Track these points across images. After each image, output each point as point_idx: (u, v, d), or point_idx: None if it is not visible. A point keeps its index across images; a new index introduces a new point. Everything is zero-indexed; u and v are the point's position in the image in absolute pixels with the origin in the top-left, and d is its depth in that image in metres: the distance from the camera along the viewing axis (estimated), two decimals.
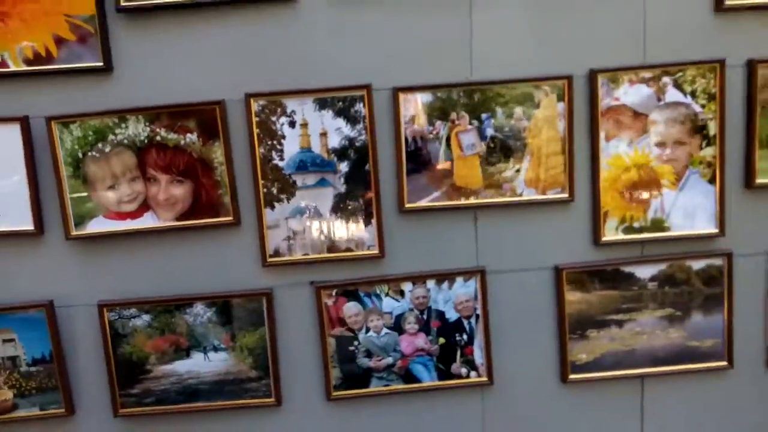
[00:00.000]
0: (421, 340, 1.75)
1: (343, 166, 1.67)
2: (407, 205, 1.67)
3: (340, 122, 1.65)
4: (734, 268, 1.70)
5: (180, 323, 1.74)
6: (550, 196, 1.68)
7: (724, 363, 1.74)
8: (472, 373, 1.76)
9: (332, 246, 1.70)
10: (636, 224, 1.69)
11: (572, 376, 1.75)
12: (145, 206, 1.69)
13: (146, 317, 1.74)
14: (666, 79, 1.62)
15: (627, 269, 1.71)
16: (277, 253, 1.71)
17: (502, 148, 1.66)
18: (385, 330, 1.74)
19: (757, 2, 1.59)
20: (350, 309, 1.73)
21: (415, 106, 1.63)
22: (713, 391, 1.77)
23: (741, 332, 1.74)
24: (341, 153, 1.66)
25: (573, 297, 1.72)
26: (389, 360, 1.76)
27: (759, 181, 1.65)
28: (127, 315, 1.74)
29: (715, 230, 1.68)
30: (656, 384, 1.77)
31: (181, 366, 1.76)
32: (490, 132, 1.65)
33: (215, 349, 1.75)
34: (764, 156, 1.65)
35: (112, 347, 1.74)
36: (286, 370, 1.76)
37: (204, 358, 1.76)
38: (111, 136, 1.64)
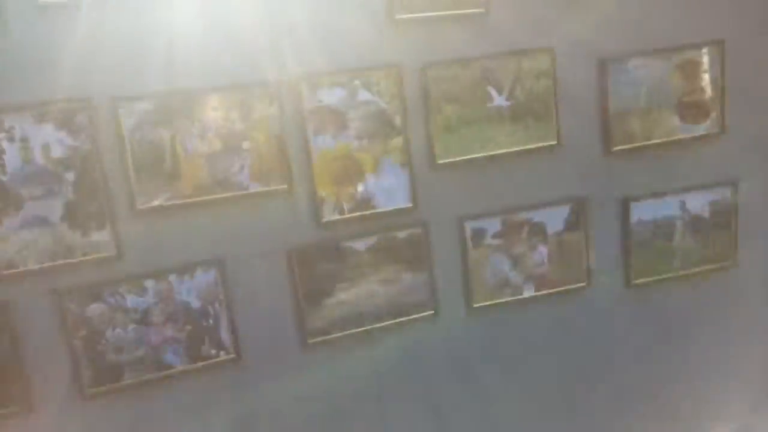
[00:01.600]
0: (170, 330, 1.90)
1: (70, 176, 1.75)
2: (139, 207, 1.81)
3: (63, 134, 1.73)
4: (431, 234, 2.09)
5: None
6: (273, 187, 1.92)
7: (432, 312, 2.13)
8: (222, 353, 1.96)
9: (68, 252, 1.78)
10: (348, 205, 2.00)
11: (311, 340, 2.02)
12: None
13: None
14: (357, 82, 1.95)
15: (346, 244, 2.02)
16: (11, 265, 1.74)
17: (225, 148, 1.87)
18: (132, 325, 1.87)
19: (423, 15, 1.96)
20: (95, 310, 1.83)
21: (137, 113, 1.78)
22: (425, 333, 2.15)
23: (443, 286, 2.14)
24: (67, 163, 1.75)
25: (304, 272, 1.98)
26: (140, 352, 1.88)
27: (439, 161, 2.05)
28: None
29: (410, 205, 2.05)
30: (382, 335, 2.11)
31: None
32: (211, 134, 1.85)
33: None
34: (441, 141, 2.04)
35: None
36: (36, 377, 1.80)
37: None
38: None
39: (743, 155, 2.31)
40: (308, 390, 2.05)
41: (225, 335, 1.95)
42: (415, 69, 1.98)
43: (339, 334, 2.04)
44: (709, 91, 2.24)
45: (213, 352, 1.95)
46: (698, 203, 2.32)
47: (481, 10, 2.00)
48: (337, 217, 1.99)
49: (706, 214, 2.34)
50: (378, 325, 2.08)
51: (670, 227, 2.31)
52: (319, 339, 2.03)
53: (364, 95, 1.96)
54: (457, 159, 2.07)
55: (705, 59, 2.21)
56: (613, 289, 2.30)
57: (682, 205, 2.31)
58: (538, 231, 2.20)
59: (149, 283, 1.86)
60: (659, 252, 2.32)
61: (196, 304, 1.91)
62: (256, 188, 1.91)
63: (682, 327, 2.41)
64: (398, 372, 2.15)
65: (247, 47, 1.84)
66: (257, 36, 1.84)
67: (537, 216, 2.19)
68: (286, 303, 1.99)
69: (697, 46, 2.20)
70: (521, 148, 2.12)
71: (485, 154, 2.09)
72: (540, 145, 2.13)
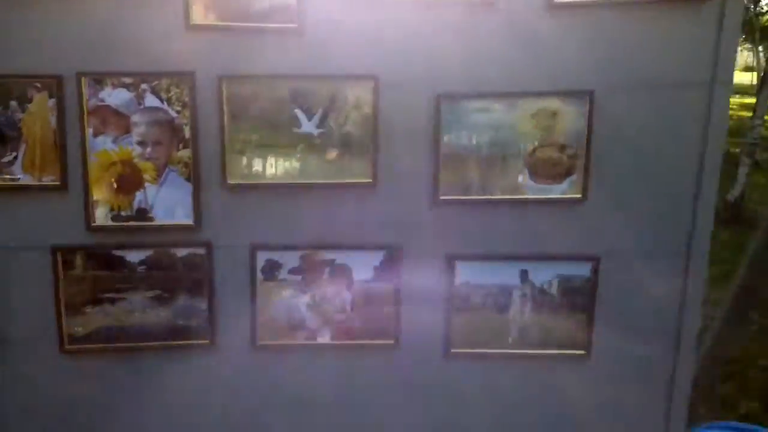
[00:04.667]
0: None
1: None
2: None
3: None
4: (214, 257, 1.94)
5: None
6: (45, 182, 1.86)
7: (208, 341, 1.97)
8: None
9: None
10: (123, 213, 1.89)
11: (69, 347, 1.94)
12: None
13: None
14: (144, 86, 1.84)
15: (117, 253, 1.91)
16: None
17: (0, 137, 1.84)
18: None
19: (226, 23, 1.82)
20: None
21: None
22: (200, 363, 1.99)
23: (225, 316, 1.97)
24: None
25: (69, 274, 1.90)
26: None
27: (230, 181, 1.89)
28: None
29: (191, 222, 1.90)
30: (151, 356, 1.98)
31: None
32: None
33: None
34: (235, 160, 1.89)
35: None
36: None
37: None
38: None
39: (605, 228, 1.96)
40: (63, 394, 1.98)
41: None
42: (211, 79, 1.85)
43: (100, 346, 1.95)
44: (569, 149, 1.92)
45: None
46: (545, 276, 1.99)
47: (294, 25, 1.83)
48: (109, 223, 1.90)
49: (554, 291, 2.01)
50: (144, 344, 1.96)
51: (506, 297, 2.01)
52: (78, 347, 1.94)
53: (152, 101, 1.85)
54: (255, 182, 1.90)
55: (568, 110, 1.90)
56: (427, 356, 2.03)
57: (524, 275, 1.99)
58: (341, 275, 1.98)
59: None
60: (488, 323, 2.02)
61: None
62: (27, 180, 1.86)
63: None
64: (165, 399, 2.02)
65: (31, 38, 1.79)
66: (42, 29, 1.79)
67: (343, 258, 1.97)
68: (46, 303, 1.92)
69: (559, 95, 1.89)
70: (330, 181, 1.92)
71: (287, 181, 1.92)
72: (353, 181, 1.92)
